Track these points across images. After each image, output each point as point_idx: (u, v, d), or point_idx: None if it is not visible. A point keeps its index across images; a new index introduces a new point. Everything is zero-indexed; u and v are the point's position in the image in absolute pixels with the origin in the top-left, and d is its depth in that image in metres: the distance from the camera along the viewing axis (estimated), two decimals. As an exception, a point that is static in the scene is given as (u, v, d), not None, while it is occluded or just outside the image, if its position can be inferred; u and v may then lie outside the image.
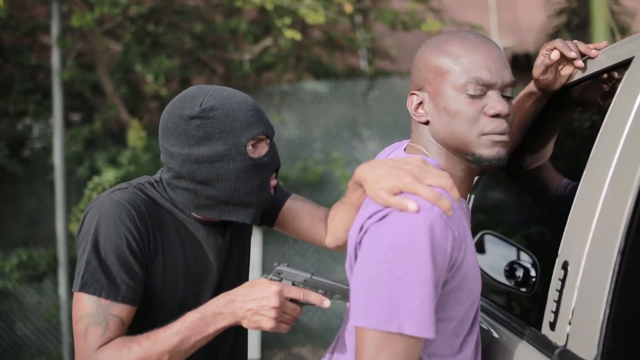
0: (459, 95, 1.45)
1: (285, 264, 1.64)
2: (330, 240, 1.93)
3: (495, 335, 1.78)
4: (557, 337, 1.41)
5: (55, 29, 6.59)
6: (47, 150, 7.44)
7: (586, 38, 7.32)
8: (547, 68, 1.72)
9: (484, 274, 2.14)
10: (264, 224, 2.01)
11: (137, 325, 1.68)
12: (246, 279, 1.97)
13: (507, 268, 1.93)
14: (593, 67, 1.66)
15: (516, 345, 1.60)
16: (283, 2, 6.41)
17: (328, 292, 1.60)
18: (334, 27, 8.51)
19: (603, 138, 1.45)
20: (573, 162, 1.71)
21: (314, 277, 1.61)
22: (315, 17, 6.45)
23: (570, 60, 1.72)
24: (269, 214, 1.97)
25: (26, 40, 7.98)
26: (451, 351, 1.41)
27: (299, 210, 1.99)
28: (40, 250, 6.70)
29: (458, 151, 1.49)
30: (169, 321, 1.65)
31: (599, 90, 1.66)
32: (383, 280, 1.27)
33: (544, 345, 1.45)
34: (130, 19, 7.58)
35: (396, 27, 7.80)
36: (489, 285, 2.11)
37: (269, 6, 6.26)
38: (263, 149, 1.73)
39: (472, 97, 1.44)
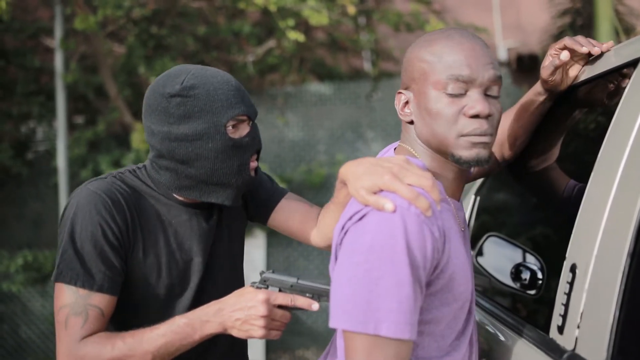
0: (439, 95, 1.42)
1: (271, 271, 1.65)
2: (320, 239, 1.93)
3: (502, 338, 1.77)
4: (565, 341, 1.39)
5: (58, 31, 6.60)
6: (51, 152, 7.46)
7: (591, 38, 7.28)
8: (555, 69, 1.70)
9: (489, 276, 2.13)
10: (257, 221, 2.01)
11: (122, 314, 1.70)
12: (241, 270, 1.98)
13: (513, 270, 1.92)
14: (600, 67, 1.64)
15: (524, 348, 1.58)
16: (286, 4, 6.39)
17: (315, 295, 1.61)
18: (338, 28, 8.50)
19: (611, 138, 1.43)
20: (580, 163, 1.70)
21: (300, 281, 1.62)
22: (319, 18, 6.44)
23: (581, 56, 1.69)
24: (262, 211, 1.98)
25: (30, 43, 8.00)
26: (439, 352, 1.41)
27: (292, 209, 1.98)
28: (45, 252, 6.71)
29: (439, 152, 1.46)
30: (155, 308, 1.68)
31: (605, 90, 1.64)
32: (361, 282, 1.26)
33: (552, 349, 1.43)
34: (134, 21, 7.60)
35: (400, 29, 7.78)
36: (494, 288, 2.09)
37: (273, 8, 6.25)
38: (244, 130, 1.72)
39: (452, 96, 1.40)
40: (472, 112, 1.39)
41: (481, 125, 1.40)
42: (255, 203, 1.99)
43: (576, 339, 1.34)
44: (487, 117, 1.40)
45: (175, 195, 1.78)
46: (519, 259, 1.94)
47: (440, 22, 7.19)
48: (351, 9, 6.75)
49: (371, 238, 1.28)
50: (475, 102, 1.39)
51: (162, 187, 1.77)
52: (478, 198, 2.46)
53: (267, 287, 1.62)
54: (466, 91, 1.41)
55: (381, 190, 1.31)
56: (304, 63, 8.92)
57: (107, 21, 7.45)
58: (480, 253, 2.24)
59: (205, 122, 1.66)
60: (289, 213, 1.98)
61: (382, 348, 1.25)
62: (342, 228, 1.36)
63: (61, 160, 6.58)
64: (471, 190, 2.53)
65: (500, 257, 2.14)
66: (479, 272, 2.22)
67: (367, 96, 7.79)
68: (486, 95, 1.42)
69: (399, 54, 9.16)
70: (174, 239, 1.76)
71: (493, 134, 1.43)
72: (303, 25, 7.86)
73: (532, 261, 1.86)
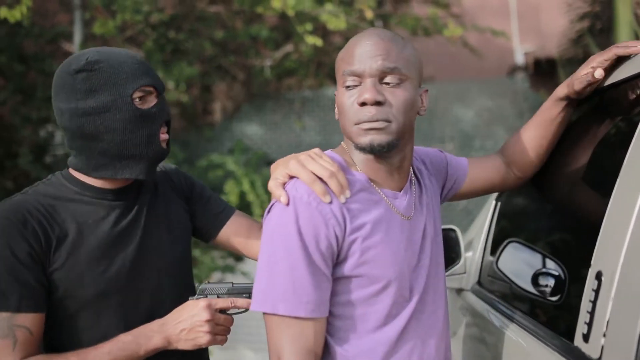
0: (342, 91, 1.55)
1: (206, 282, 1.74)
2: None
3: (524, 344, 1.75)
4: (591, 350, 1.37)
5: (77, 36, 6.66)
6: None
7: (610, 43, 7.24)
8: (588, 85, 1.69)
9: (510, 282, 2.11)
10: (204, 234, 2.00)
11: (55, 329, 1.69)
12: (185, 272, 1.93)
13: (534, 276, 1.90)
14: (625, 72, 1.61)
15: (547, 356, 1.57)
16: (304, 8, 6.39)
17: (252, 294, 1.65)
18: (355, 32, 8.48)
19: (638, 143, 1.41)
20: (604, 168, 1.68)
21: (235, 284, 1.72)
22: (337, 23, 6.45)
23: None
24: (213, 224, 1.98)
25: (49, 47, 8.05)
26: (362, 334, 1.52)
27: (241, 224, 2.00)
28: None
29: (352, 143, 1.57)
30: (89, 318, 1.68)
31: (631, 94, 1.61)
32: (264, 268, 1.47)
33: (577, 357, 1.41)
34: (152, 26, 7.63)
35: (417, 33, 7.77)
36: (515, 294, 2.07)
37: (291, 12, 6.26)
38: (151, 101, 1.72)
39: (348, 89, 1.52)
40: (360, 99, 1.49)
41: (370, 111, 1.48)
42: (206, 215, 1.99)
43: (602, 347, 1.32)
44: (377, 103, 1.48)
45: (92, 184, 1.75)
46: (540, 265, 1.93)
47: (459, 27, 7.16)
48: (369, 14, 6.76)
49: (272, 227, 1.48)
50: (363, 90, 1.49)
51: (77, 183, 1.76)
52: (499, 204, 2.45)
53: (206, 297, 1.71)
54: (360, 83, 1.51)
55: (291, 178, 1.52)
56: (322, 67, 8.93)
57: (125, 26, 7.49)
58: (500, 259, 2.22)
59: (112, 94, 1.67)
60: (239, 228, 1.99)
61: (286, 326, 1.44)
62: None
63: (79, 164, 6.61)
64: (492, 195, 2.51)
65: (521, 263, 2.13)
66: (500, 278, 2.20)
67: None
68: (384, 84, 1.50)
69: (416, 58, 9.14)
70: (94, 240, 1.71)
71: (388, 119, 1.49)
72: (321, 30, 7.88)
73: (553, 267, 1.85)
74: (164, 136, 1.76)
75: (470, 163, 1.92)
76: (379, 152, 1.51)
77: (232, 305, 1.69)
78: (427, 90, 1.63)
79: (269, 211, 1.52)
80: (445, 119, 8.46)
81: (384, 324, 1.53)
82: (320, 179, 1.49)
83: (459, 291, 2.56)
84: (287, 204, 1.46)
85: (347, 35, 8.41)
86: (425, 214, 1.66)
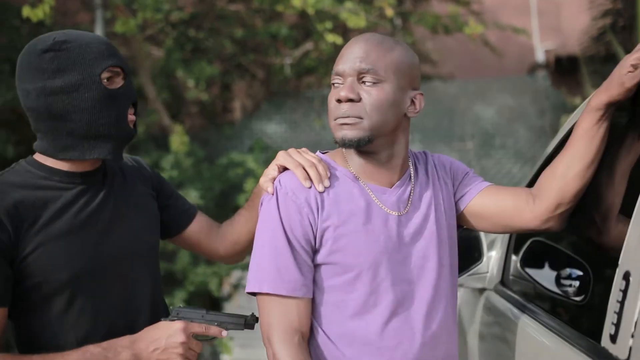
0: (331, 89, 1.67)
1: (180, 306, 1.79)
2: (224, 249, 2.04)
3: (549, 344, 1.74)
4: (618, 350, 1.35)
5: (99, 34, 6.66)
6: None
7: (633, 40, 7.18)
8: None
9: (533, 281, 2.09)
10: (169, 231, 2.01)
11: (28, 317, 1.70)
12: (151, 259, 1.92)
13: (557, 275, 1.88)
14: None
15: (573, 357, 1.55)
16: (324, 7, 6.39)
17: (223, 324, 1.77)
18: (375, 30, 8.47)
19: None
20: (632, 166, 1.65)
21: (209, 312, 1.77)
22: (357, 21, 6.44)
23: None
24: (180, 220, 2.02)
25: (70, 46, 8.06)
26: (337, 320, 1.64)
27: (205, 223, 2.05)
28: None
29: None
30: (60, 307, 1.68)
31: None
32: (255, 252, 1.67)
33: (604, 358, 1.39)
34: (172, 25, 7.67)
35: (437, 31, 7.74)
36: (538, 293, 2.06)
37: (311, 11, 6.26)
38: (119, 82, 1.73)
39: (334, 86, 1.65)
40: (335, 97, 1.62)
41: (342, 107, 1.61)
42: (177, 210, 2.02)
43: (630, 348, 1.31)
44: (350, 100, 1.60)
45: (59, 168, 1.74)
46: (564, 264, 1.91)
47: (480, 24, 7.13)
48: (389, 11, 6.74)
49: (261, 216, 1.68)
50: (340, 88, 1.62)
51: (44, 168, 1.74)
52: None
53: (181, 319, 1.74)
54: (342, 82, 1.63)
55: (285, 169, 1.69)
56: (341, 65, 8.89)
57: (146, 24, 7.51)
58: (524, 258, 2.20)
59: (80, 74, 1.67)
60: (202, 226, 2.04)
61: (273, 305, 1.61)
62: None
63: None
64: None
65: (545, 262, 2.11)
66: (523, 277, 2.19)
67: (405, 99, 7.70)
68: (362, 83, 1.62)
69: (436, 56, 9.12)
70: (64, 224, 1.71)
71: (360, 116, 1.60)
72: (340, 28, 7.86)
73: (577, 266, 1.83)
74: (131, 117, 1.77)
75: (491, 186, 1.81)
76: (350, 147, 1.64)
77: (205, 332, 1.74)
78: (422, 94, 1.70)
79: (261, 204, 1.70)
80: (465, 117, 8.42)
81: (363, 311, 1.64)
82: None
83: (482, 290, 2.55)
84: (273, 195, 1.65)
85: (366, 33, 8.39)
86: (424, 211, 1.71)
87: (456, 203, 1.80)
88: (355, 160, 1.70)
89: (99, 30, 6.65)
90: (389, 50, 1.63)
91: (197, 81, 7.66)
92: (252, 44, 8.69)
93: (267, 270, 1.61)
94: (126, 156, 1.96)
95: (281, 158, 1.70)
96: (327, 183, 1.65)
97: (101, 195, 1.78)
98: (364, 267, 1.62)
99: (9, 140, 7.02)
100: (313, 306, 1.66)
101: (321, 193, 1.64)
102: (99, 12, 6.69)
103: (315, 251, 1.64)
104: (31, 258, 1.65)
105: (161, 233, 1.99)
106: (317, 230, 1.63)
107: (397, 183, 1.70)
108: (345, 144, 1.62)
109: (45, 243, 1.66)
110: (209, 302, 7.48)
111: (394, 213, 1.67)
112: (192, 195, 6.72)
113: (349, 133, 1.61)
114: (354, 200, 1.66)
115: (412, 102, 1.67)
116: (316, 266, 1.65)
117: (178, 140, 7.01)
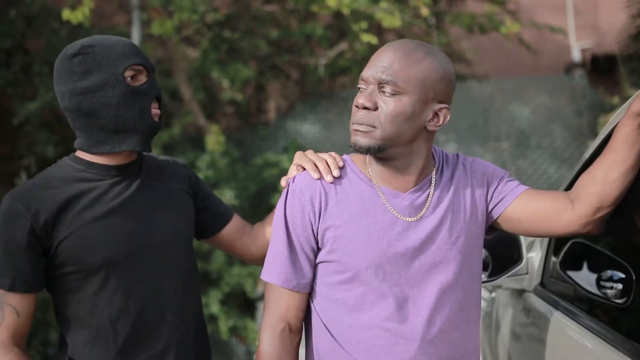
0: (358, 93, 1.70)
1: None
2: (255, 250, 2.16)
3: (590, 347, 1.72)
4: (664, 353, 1.34)
5: (135, 36, 6.76)
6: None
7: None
8: None
9: (573, 283, 2.07)
10: (205, 232, 2.15)
11: (71, 289, 1.86)
12: (186, 249, 2.04)
13: (598, 277, 1.86)
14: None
15: (616, 360, 1.54)
16: (359, 7, 6.39)
17: None
18: (410, 30, 8.44)
19: None
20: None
21: None
22: (392, 20, 6.42)
23: None
24: (216, 221, 2.14)
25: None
26: (337, 315, 1.72)
27: (240, 225, 2.18)
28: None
29: None
30: (102, 278, 1.84)
31: None
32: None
33: (649, 361, 1.38)
34: (208, 26, 7.71)
35: (473, 30, 7.68)
36: (579, 295, 2.04)
37: (346, 11, 6.24)
38: (142, 79, 1.88)
39: (359, 90, 1.68)
40: (354, 103, 1.66)
41: (359, 113, 1.65)
42: (213, 212, 2.15)
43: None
44: (365, 108, 1.63)
45: (96, 162, 1.90)
46: (605, 266, 1.88)
47: (516, 23, 7.07)
48: (424, 11, 6.70)
49: (276, 209, 1.79)
50: (359, 95, 1.65)
51: (82, 162, 1.90)
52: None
53: None
54: (366, 88, 1.66)
55: (303, 169, 1.77)
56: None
57: (182, 26, 7.57)
58: (564, 259, 2.19)
59: (105, 73, 1.83)
60: (236, 228, 2.17)
61: (269, 292, 1.76)
62: None
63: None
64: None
65: (585, 264, 2.07)
66: (563, 278, 2.17)
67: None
68: (381, 92, 1.64)
69: (471, 56, 9.06)
70: (98, 211, 1.86)
71: (373, 125, 1.63)
72: (375, 28, 7.83)
73: (619, 268, 1.80)
74: (155, 110, 1.91)
75: (528, 190, 1.79)
76: (361, 153, 1.69)
77: None
78: (447, 108, 1.68)
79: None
80: (501, 117, 8.34)
81: (361, 310, 1.69)
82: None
83: (521, 292, 2.54)
84: (285, 190, 1.76)
85: (401, 33, 8.39)
86: (439, 217, 1.72)
87: (493, 208, 1.80)
88: (373, 164, 1.74)
89: (135, 32, 6.73)
90: (417, 62, 1.63)
91: (232, 82, 7.72)
92: (286, 45, 8.71)
93: (269, 260, 1.76)
94: (166, 157, 2.13)
95: (297, 158, 1.81)
96: (336, 173, 1.72)
97: (134, 186, 1.93)
98: (361, 267, 1.68)
99: (49, 141, 7.17)
100: (315, 301, 1.76)
101: (327, 193, 1.71)
102: (136, 14, 6.76)
103: (318, 249, 1.73)
104: (67, 242, 1.81)
105: (197, 233, 2.14)
106: (317, 229, 1.71)
107: (414, 188, 1.73)
108: (356, 150, 1.67)
109: (80, 228, 1.83)
110: (244, 303, 7.54)
111: (404, 218, 1.70)
112: (227, 195, 6.77)
113: (360, 140, 1.65)
114: (362, 202, 1.71)
115: (436, 115, 1.67)
116: (318, 263, 1.74)
117: (214, 140, 7.10)
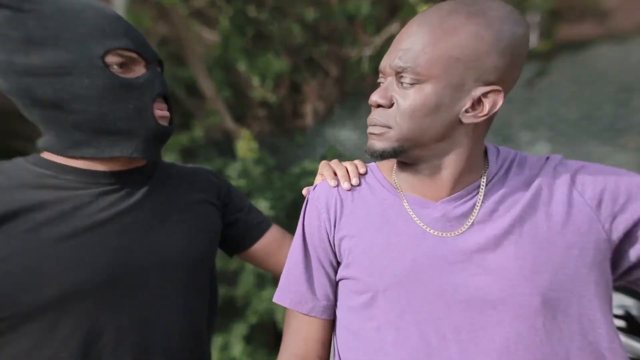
0: None
1: None
2: None
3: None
4: None
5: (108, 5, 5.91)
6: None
7: None
8: None
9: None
10: (237, 246, 1.91)
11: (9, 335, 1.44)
12: (209, 257, 1.76)
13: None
14: None
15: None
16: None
17: None
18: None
19: None
20: None
21: None
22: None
23: None
24: (244, 239, 1.91)
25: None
26: (355, 353, 1.42)
27: (273, 239, 1.94)
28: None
29: None
30: (50, 322, 1.42)
31: None
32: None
33: None
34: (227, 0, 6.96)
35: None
36: None
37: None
38: (138, 71, 1.54)
39: (379, 85, 1.45)
40: (369, 101, 1.43)
41: (373, 113, 1.43)
42: (247, 224, 1.91)
43: None
44: (379, 106, 1.40)
45: (73, 165, 1.55)
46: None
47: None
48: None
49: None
50: (375, 91, 1.43)
51: (52, 165, 1.54)
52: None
53: None
54: (384, 82, 1.44)
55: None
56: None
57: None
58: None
59: (69, 52, 1.42)
60: (273, 240, 1.93)
61: (288, 321, 1.54)
62: None
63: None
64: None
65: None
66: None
67: (530, 82, 6.37)
68: (400, 83, 1.36)
69: (607, 4, 7.61)
70: (69, 228, 1.47)
71: (388, 125, 1.39)
72: (433, 2, 6.82)
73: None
74: (160, 112, 1.59)
75: None
76: (375, 158, 1.46)
77: None
78: (499, 91, 1.31)
79: None
80: None
81: (382, 351, 1.36)
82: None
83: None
84: (306, 201, 1.59)
85: None
86: (493, 236, 1.35)
87: (613, 232, 1.37)
88: (399, 170, 1.55)
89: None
90: (448, 34, 1.28)
91: (262, 79, 7.21)
92: (325, 31, 7.90)
93: (282, 277, 1.57)
94: (194, 166, 1.88)
95: (320, 167, 1.69)
96: (355, 181, 1.56)
97: (137, 197, 1.62)
98: (379, 288, 1.41)
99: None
100: (337, 333, 1.50)
101: (343, 200, 1.54)
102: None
103: (338, 263, 1.53)
104: (4, 263, 1.41)
105: (228, 249, 1.93)
106: (333, 239, 1.52)
107: (451, 197, 1.44)
108: (370, 155, 1.45)
109: (21, 252, 1.41)
110: (273, 339, 6.79)
111: (435, 232, 1.42)
112: (261, 206, 6.46)
113: (374, 144, 1.43)
114: (381, 211, 1.49)
115: (480, 102, 1.32)
116: (338, 281, 1.52)
117: (245, 146, 6.76)
